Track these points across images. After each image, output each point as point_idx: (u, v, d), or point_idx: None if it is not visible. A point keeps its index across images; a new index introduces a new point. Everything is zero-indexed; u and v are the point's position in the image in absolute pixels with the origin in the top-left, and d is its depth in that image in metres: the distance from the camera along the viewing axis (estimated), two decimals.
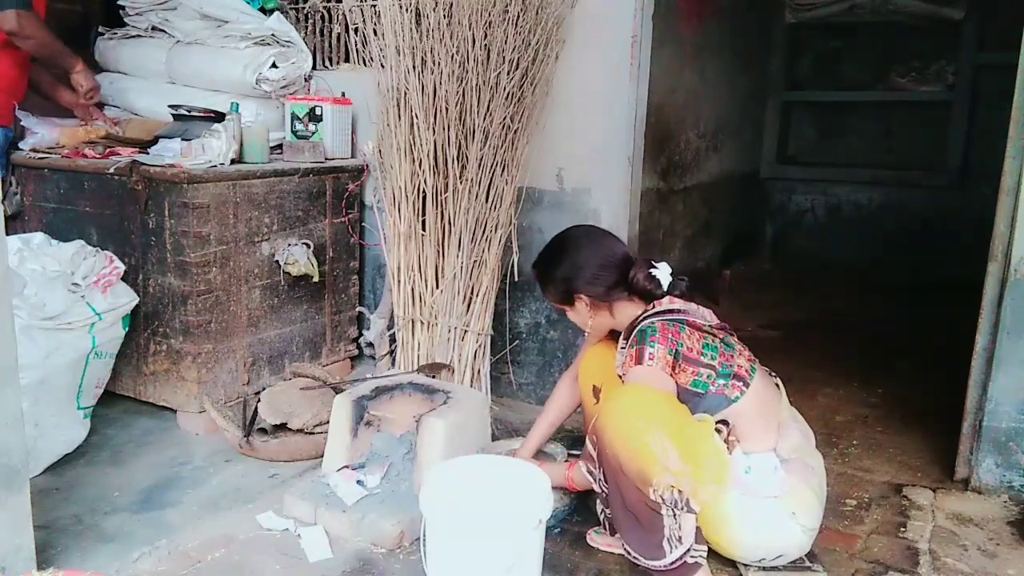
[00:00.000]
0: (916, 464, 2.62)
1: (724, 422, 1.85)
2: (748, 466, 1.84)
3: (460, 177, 2.62)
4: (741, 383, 1.87)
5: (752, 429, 1.87)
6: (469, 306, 2.70)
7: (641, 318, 1.93)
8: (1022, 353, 2.29)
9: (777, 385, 2.01)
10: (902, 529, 2.21)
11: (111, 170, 2.64)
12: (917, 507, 2.33)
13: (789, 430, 1.93)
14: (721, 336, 1.94)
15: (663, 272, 1.98)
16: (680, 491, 1.70)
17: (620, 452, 1.74)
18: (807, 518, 1.86)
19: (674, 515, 1.74)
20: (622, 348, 1.99)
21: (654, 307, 1.95)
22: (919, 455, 2.68)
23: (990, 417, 2.35)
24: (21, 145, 2.90)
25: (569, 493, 2.20)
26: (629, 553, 1.84)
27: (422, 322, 2.72)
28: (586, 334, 2.16)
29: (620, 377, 1.99)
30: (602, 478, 1.86)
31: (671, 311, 1.92)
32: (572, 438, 2.66)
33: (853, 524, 2.22)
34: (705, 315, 1.97)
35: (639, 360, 1.83)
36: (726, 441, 1.83)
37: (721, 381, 1.86)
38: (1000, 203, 2.31)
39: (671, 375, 1.84)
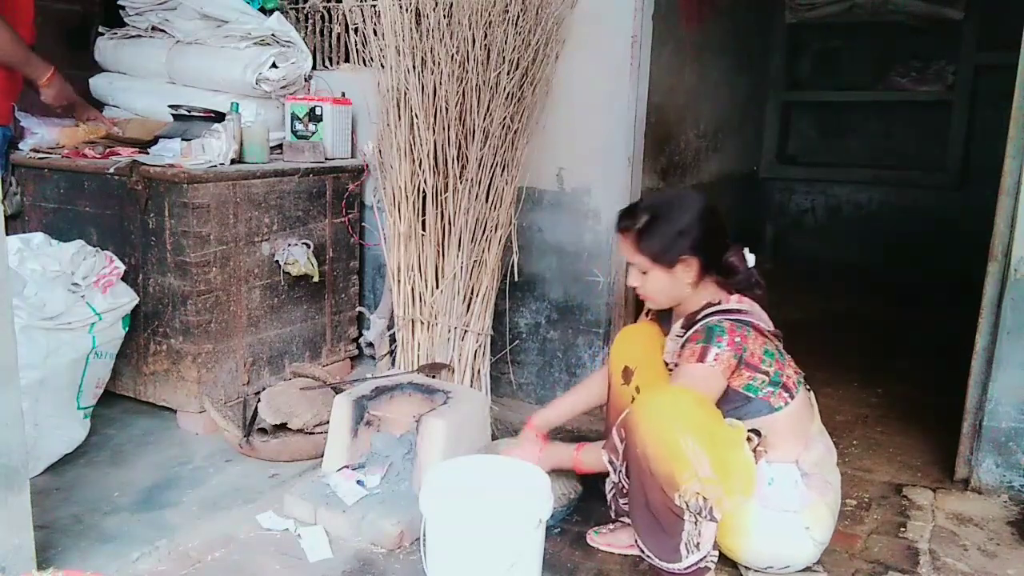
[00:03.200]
0: (916, 464, 2.62)
1: (756, 431, 1.82)
2: (771, 477, 1.83)
3: (460, 177, 2.62)
4: (787, 394, 1.85)
5: (783, 440, 1.85)
6: (469, 306, 2.70)
7: (706, 312, 1.87)
8: (1022, 353, 2.29)
9: (811, 401, 1.98)
10: (902, 529, 2.21)
11: (111, 170, 2.64)
12: (917, 507, 2.33)
13: (815, 443, 1.91)
14: (775, 343, 1.90)
15: (751, 262, 1.93)
16: (705, 499, 1.69)
17: (651, 453, 1.71)
18: (820, 533, 1.87)
19: (695, 521, 1.72)
20: (677, 336, 1.92)
21: (720, 302, 1.88)
22: (919, 455, 2.68)
23: (990, 417, 2.35)
24: (21, 146, 2.90)
25: (569, 494, 2.20)
26: (643, 551, 1.82)
27: (422, 322, 2.71)
28: (647, 302, 2.02)
29: (667, 365, 1.96)
30: (623, 471, 1.84)
31: (737, 311, 1.86)
32: (572, 438, 2.66)
33: (853, 524, 2.22)
34: (764, 318, 1.92)
35: (702, 358, 1.78)
36: (755, 450, 1.81)
37: (770, 388, 1.83)
38: (1000, 203, 2.31)
39: (727, 377, 1.80)
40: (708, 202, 1.93)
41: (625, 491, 1.88)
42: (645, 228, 1.88)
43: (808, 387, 1.98)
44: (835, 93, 5.80)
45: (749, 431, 1.81)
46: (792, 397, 1.85)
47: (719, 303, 1.88)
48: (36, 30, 2.91)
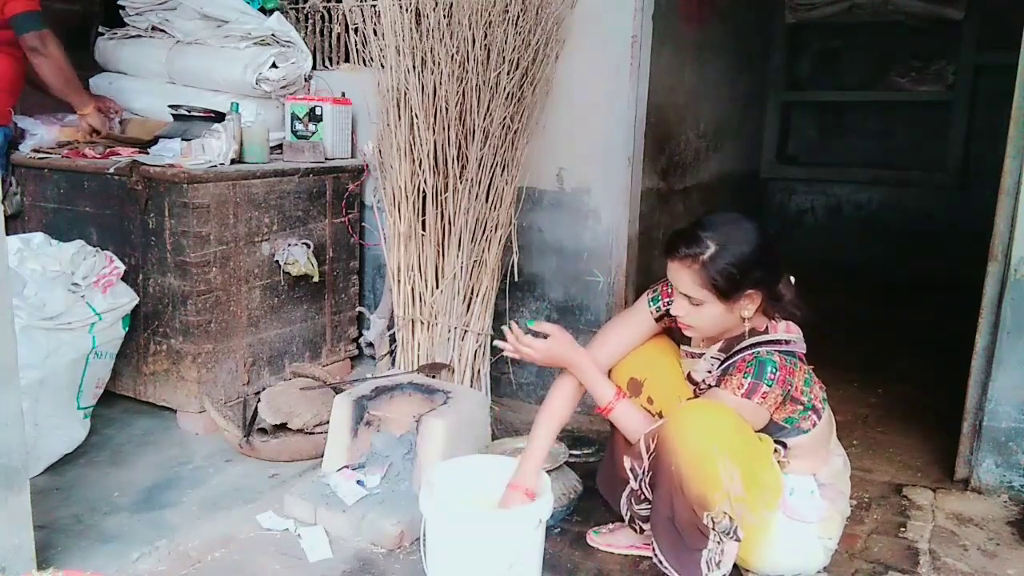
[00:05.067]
0: (916, 464, 2.62)
1: (782, 443, 1.80)
2: (792, 488, 1.82)
3: (460, 177, 2.62)
4: (816, 416, 1.81)
5: (806, 456, 1.83)
6: (469, 306, 2.70)
7: (754, 340, 1.78)
8: (1022, 353, 2.29)
9: (831, 416, 1.93)
10: (902, 529, 2.21)
11: (111, 170, 2.64)
12: (917, 507, 2.33)
13: (833, 456, 1.90)
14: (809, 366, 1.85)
15: (792, 286, 1.85)
16: (732, 519, 1.67)
17: (685, 472, 1.66)
18: (833, 541, 1.89)
19: (719, 540, 1.69)
20: (714, 357, 1.85)
21: (766, 330, 1.80)
22: (919, 455, 2.68)
23: (990, 417, 2.35)
24: (21, 147, 2.90)
25: (569, 494, 2.20)
26: (662, 562, 1.77)
27: (422, 322, 2.71)
28: (684, 329, 1.86)
29: (696, 383, 1.89)
30: (646, 481, 1.78)
31: (786, 341, 1.79)
32: (572, 438, 2.66)
33: (853, 524, 2.22)
34: (803, 341, 1.84)
35: (749, 394, 1.71)
36: (779, 462, 1.81)
37: (803, 416, 1.80)
38: (1000, 203, 2.31)
39: (772, 412, 1.76)
40: (767, 228, 1.83)
41: (643, 498, 1.83)
42: (713, 259, 1.71)
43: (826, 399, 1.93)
44: (835, 93, 5.80)
45: (776, 443, 1.80)
46: (820, 418, 1.82)
47: (765, 330, 1.80)
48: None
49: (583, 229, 2.89)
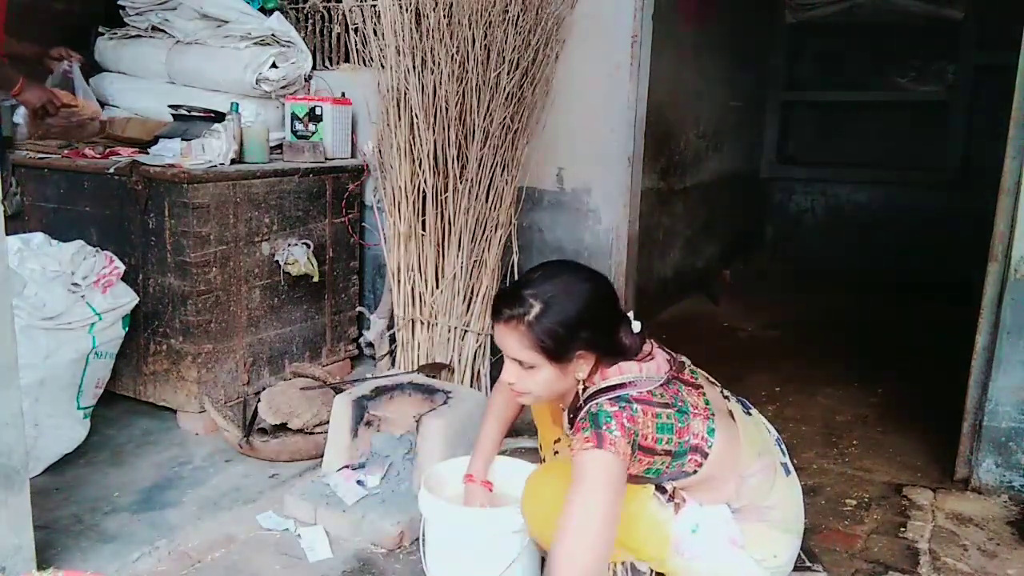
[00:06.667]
0: (916, 464, 2.62)
1: (662, 488, 1.64)
2: (696, 524, 1.62)
3: (460, 177, 2.62)
4: (699, 455, 1.60)
5: (706, 491, 1.64)
6: (469, 306, 2.70)
7: (586, 397, 1.60)
8: (1022, 353, 2.29)
9: (732, 413, 1.70)
10: (902, 529, 2.21)
11: (111, 170, 2.64)
12: (917, 507, 2.33)
13: (748, 476, 1.66)
14: (672, 397, 1.60)
15: (636, 328, 1.68)
16: (624, 562, 1.63)
17: (540, 540, 1.67)
18: (775, 558, 1.68)
19: None
20: (571, 418, 1.68)
21: (594, 383, 1.61)
22: (919, 455, 2.68)
23: (990, 417, 2.35)
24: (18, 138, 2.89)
25: None
26: None
27: (422, 322, 2.72)
28: (532, 400, 1.71)
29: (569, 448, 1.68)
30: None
31: (617, 386, 1.59)
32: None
33: (853, 524, 2.22)
34: (652, 370, 1.62)
35: (600, 444, 1.49)
36: (672, 496, 1.63)
37: (677, 462, 1.59)
38: (1000, 203, 2.31)
39: (627, 465, 1.53)
40: (599, 278, 1.69)
41: None
42: (538, 319, 1.56)
43: (728, 395, 1.75)
44: (835, 93, 5.81)
45: (657, 487, 1.63)
46: (706, 456, 1.60)
47: (593, 383, 1.62)
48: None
49: (583, 229, 2.90)
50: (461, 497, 1.90)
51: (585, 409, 1.57)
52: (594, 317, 1.60)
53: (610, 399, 1.56)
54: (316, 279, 2.94)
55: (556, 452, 1.88)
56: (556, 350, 1.57)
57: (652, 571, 1.67)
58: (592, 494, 1.48)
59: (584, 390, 1.62)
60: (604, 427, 1.51)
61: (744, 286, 4.91)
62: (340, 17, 3.27)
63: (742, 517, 1.65)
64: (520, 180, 2.71)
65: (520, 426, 2.74)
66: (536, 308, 1.57)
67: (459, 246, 2.65)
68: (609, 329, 1.63)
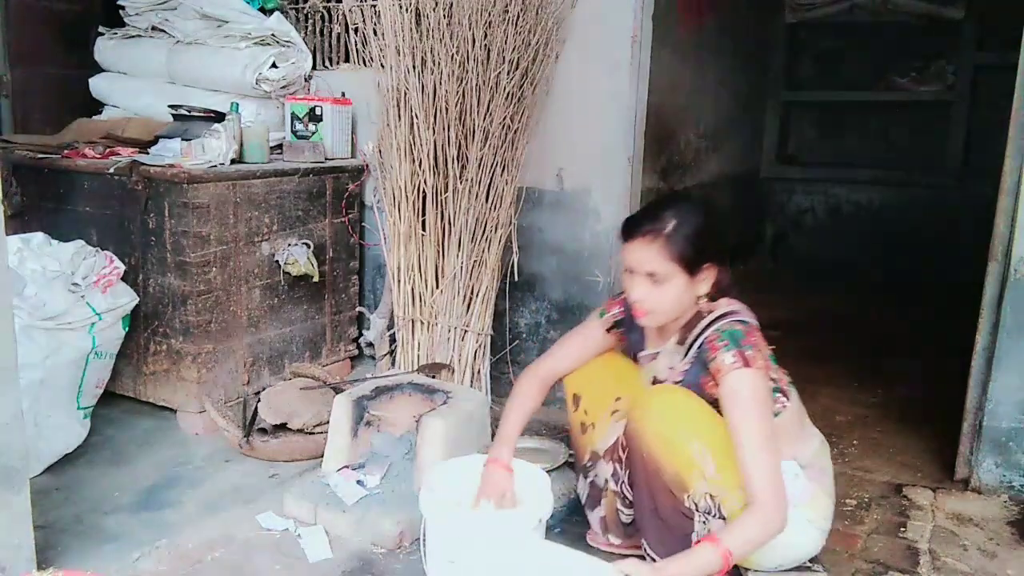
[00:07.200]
0: (916, 464, 2.62)
1: None
2: None
3: (460, 177, 2.62)
4: (784, 398, 1.78)
5: (783, 439, 1.77)
6: (469, 306, 2.70)
7: (709, 320, 1.75)
8: (1022, 353, 2.29)
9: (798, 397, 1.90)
10: (902, 529, 2.21)
11: (111, 170, 2.64)
12: (917, 507, 2.33)
13: (811, 438, 1.87)
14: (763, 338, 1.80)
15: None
16: (713, 497, 1.68)
17: (656, 453, 1.69)
18: (824, 521, 1.85)
19: (705, 521, 1.70)
20: (673, 351, 1.82)
21: (711, 310, 1.78)
22: (919, 455, 2.68)
23: (990, 417, 2.35)
24: None
25: (569, 494, 2.20)
26: (652, 557, 1.77)
27: (422, 322, 2.72)
28: (644, 322, 1.82)
29: (659, 384, 1.85)
30: (626, 481, 1.82)
31: (735, 312, 1.76)
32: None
33: (853, 524, 2.22)
34: (747, 310, 1.81)
35: (747, 363, 1.66)
36: None
37: (774, 395, 1.76)
38: (1000, 203, 2.31)
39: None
40: (712, 203, 1.90)
41: (630, 503, 1.85)
42: (675, 232, 1.70)
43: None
44: (835, 93, 5.80)
45: None
46: (789, 399, 1.80)
47: (710, 311, 1.78)
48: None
49: (583, 229, 2.89)
50: (461, 497, 1.90)
51: (713, 328, 1.73)
52: (720, 232, 1.82)
53: (734, 320, 1.73)
54: (316, 279, 2.94)
55: (615, 412, 1.96)
56: (692, 259, 1.71)
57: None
58: (756, 409, 1.65)
59: (697, 317, 1.77)
60: (744, 344, 1.68)
61: (744, 286, 4.90)
62: (340, 17, 3.27)
63: (809, 476, 1.79)
64: (520, 180, 2.71)
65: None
66: (673, 222, 1.72)
67: (459, 246, 2.65)
68: (727, 248, 1.82)
